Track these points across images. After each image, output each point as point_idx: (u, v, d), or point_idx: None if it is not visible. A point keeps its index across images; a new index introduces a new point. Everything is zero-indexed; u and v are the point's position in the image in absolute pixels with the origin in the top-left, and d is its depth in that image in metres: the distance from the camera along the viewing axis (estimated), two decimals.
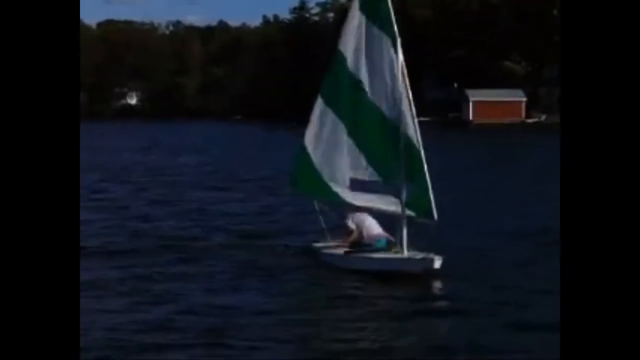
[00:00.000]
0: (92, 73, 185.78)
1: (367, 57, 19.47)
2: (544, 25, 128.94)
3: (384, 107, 19.23)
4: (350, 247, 19.87)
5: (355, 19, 19.70)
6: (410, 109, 19.03)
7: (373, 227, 20.05)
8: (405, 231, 18.95)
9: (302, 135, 20.86)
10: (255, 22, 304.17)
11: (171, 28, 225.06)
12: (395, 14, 19.28)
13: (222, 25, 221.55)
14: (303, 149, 20.89)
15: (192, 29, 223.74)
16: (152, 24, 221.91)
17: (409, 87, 19.18)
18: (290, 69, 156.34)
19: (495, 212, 29.16)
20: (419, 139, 18.84)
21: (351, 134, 19.80)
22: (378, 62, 19.32)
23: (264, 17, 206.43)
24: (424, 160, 18.74)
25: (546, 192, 31.17)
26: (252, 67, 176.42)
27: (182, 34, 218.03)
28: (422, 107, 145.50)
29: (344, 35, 19.89)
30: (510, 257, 20.77)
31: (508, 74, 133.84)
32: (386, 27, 19.24)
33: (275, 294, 17.39)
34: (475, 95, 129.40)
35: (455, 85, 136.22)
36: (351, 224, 20.14)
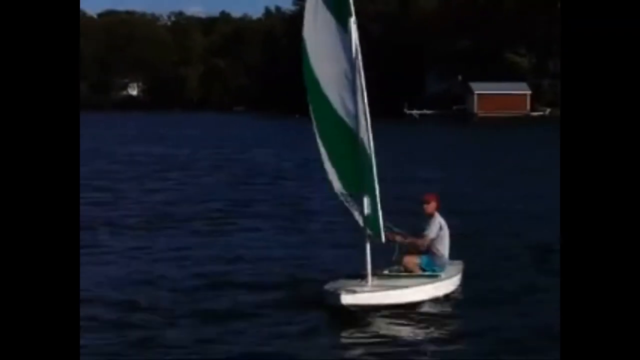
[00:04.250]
0: (94, 63, 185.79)
1: (319, 42, 15.60)
2: (549, 18, 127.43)
3: (337, 103, 15.64)
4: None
5: None
6: (364, 106, 15.37)
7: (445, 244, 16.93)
8: (368, 251, 15.63)
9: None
10: (257, 13, 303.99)
11: (173, 19, 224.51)
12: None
13: (224, 16, 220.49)
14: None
15: (193, 19, 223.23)
16: (153, 14, 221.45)
17: (362, 78, 15.33)
18: (292, 60, 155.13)
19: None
20: (371, 143, 15.38)
21: (316, 130, 16.16)
22: (329, 48, 15.52)
23: (266, 8, 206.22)
24: (374, 170, 15.44)
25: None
26: (254, 59, 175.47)
27: (184, 24, 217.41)
28: (425, 100, 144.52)
29: (305, 17, 15.91)
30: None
31: (512, 66, 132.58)
32: (334, 5, 15.36)
33: None
34: (479, 88, 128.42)
35: (459, 77, 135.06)
36: (434, 230, 16.72)
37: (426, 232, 16.66)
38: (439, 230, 16.69)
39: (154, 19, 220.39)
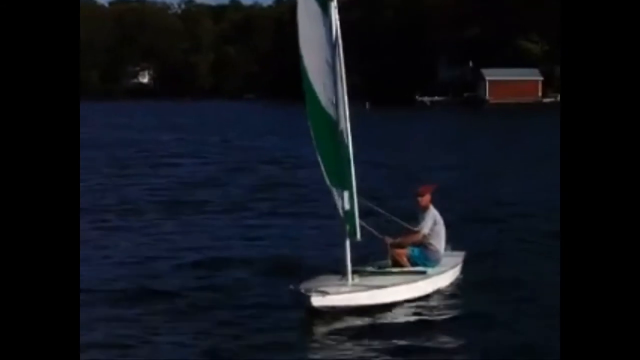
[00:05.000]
0: (104, 52, 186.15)
1: (306, 29, 14.95)
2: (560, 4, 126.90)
3: (320, 93, 14.89)
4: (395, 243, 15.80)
5: None
6: (344, 95, 14.65)
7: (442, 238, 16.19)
8: (348, 248, 14.75)
9: None
10: (267, 0, 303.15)
11: (183, 7, 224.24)
12: None
13: (235, 4, 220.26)
14: None
15: (204, 7, 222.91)
16: (164, 2, 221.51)
17: (342, 65, 14.61)
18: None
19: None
20: (349, 135, 14.62)
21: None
22: (314, 35, 14.82)
23: None
24: (352, 164, 14.66)
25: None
26: (265, 46, 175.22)
27: (194, 12, 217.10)
28: (436, 87, 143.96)
29: (297, 5, 15.28)
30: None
31: (524, 53, 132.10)
32: None
33: None
34: (491, 75, 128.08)
35: (471, 64, 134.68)
36: (427, 225, 15.93)
37: (420, 227, 15.88)
38: (433, 224, 15.92)
39: (165, 7, 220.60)
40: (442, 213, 16.28)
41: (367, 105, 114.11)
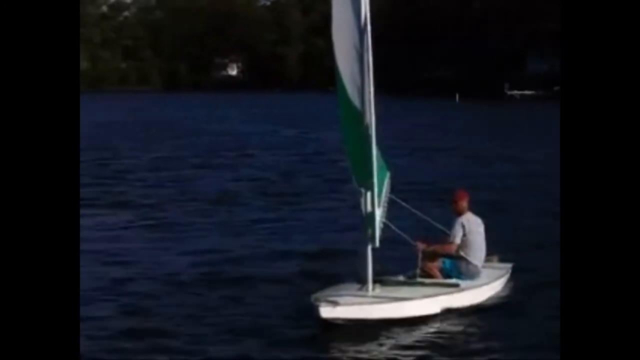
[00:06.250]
0: (194, 43, 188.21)
1: (338, 14, 14.06)
2: None
3: (348, 83, 13.71)
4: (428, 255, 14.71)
5: None
6: (370, 87, 13.41)
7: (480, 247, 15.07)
8: (369, 255, 13.68)
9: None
10: None
11: None
12: None
13: None
14: None
15: None
16: None
17: (370, 53, 13.38)
18: (389, 40, 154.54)
19: None
20: (374, 130, 13.41)
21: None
22: (342, 19, 13.87)
23: None
24: (374, 163, 13.45)
25: None
26: None
27: (284, 4, 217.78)
28: (525, 80, 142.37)
29: None
30: None
31: None
32: None
33: None
34: None
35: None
36: (457, 235, 14.86)
37: (452, 237, 14.83)
38: (463, 234, 14.78)
39: None
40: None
41: (457, 97, 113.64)
